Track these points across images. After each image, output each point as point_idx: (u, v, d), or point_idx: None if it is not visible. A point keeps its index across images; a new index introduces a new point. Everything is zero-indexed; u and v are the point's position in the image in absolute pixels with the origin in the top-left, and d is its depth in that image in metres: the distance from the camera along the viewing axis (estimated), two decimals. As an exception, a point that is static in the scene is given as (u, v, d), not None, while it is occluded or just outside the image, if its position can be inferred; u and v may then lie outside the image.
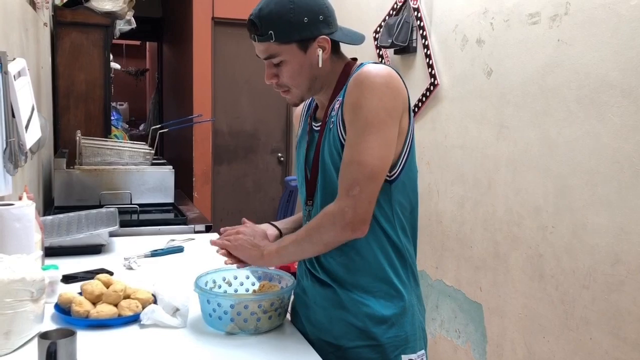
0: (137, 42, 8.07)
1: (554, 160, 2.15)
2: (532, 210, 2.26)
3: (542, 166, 2.21)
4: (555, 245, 2.14)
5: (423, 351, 1.30)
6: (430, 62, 2.88)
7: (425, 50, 2.91)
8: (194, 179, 4.84)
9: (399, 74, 1.24)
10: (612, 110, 1.91)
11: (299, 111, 1.49)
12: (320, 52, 1.25)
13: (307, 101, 1.44)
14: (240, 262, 1.35)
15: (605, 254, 1.93)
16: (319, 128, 1.33)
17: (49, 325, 1.30)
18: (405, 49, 3.06)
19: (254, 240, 1.33)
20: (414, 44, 3.02)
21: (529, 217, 2.28)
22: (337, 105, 1.27)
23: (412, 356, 1.27)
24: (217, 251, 1.37)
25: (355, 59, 1.34)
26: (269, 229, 1.43)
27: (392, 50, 3.19)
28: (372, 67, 1.22)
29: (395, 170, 1.24)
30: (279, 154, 5.17)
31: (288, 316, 1.42)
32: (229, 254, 1.35)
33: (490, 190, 2.50)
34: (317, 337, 1.32)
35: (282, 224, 1.48)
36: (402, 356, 1.25)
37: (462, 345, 2.70)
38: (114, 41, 3.98)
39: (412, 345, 1.27)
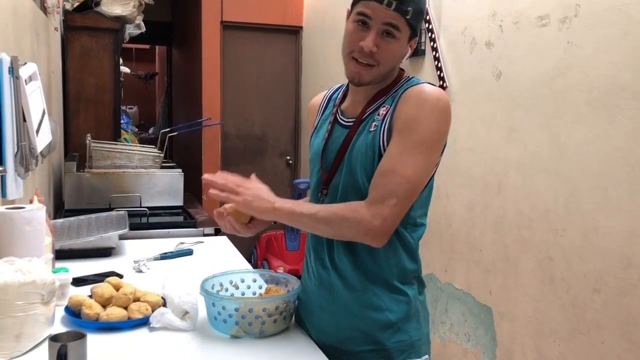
0: (147, 46, 8.11)
1: (564, 163, 2.14)
2: (542, 213, 2.24)
3: (553, 169, 2.19)
4: (566, 249, 2.13)
5: (427, 356, 1.31)
6: (439, 65, 2.87)
7: (434, 53, 2.91)
8: (202, 181, 4.85)
9: None
10: (623, 113, 1.90)
11: (317, 102, 1.49)
12: (409, 50, 1.29)
13: (328, 94, 1.46)
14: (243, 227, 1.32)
15: (617, 258, 1.92)
16: (350, 123, 1.31)
17: (59, 327, 1.31)
18: (414, 52, 3.05)
19: (261, 193, 1.26)
20: (423, 47, 3.01)
21: (539, 220, 2.26)
22: (382, 111, 1.26)
23: None
24: (209, 192, 1.29)
25: (403, 70, 1.35)
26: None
27: (400, 53, 3.19)
28: (435, 88, 1.24)
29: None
30: (288, 157, 5.18)
31: (294, 319, 1.41)
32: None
33: (500, 193, 2.49)
34: (321, 342, 1.32)
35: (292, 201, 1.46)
36: None
37: (472, 349, 2.68)
38: (124, 45, 4.01)
39: (417, 350, 1.28)
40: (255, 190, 1.25)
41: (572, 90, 2.10)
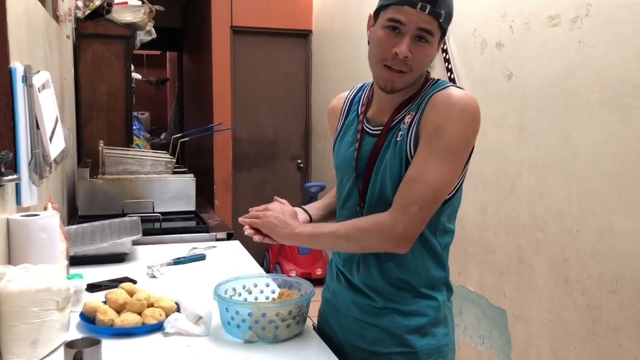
0: (158, 52, 8.17)
1: (577, 163, 2.12)
2: (556, 214, 2.23)
3: (565, 170, 2.18)
4: (581, 250, 2.11)
5: None
6: (450, 67, 2.86)
7: (444, 54, 2.90)
8: (214, 186, 4.87)
9: None
10: (636, 112, 1.88)
11: (337, 105, 1.45)
12: (436, 52, 1.26)
13: (350, 96, 1.42)
14: (268, 238, 1.34)
15: (633, 259, 1.90)
16: (377, 132, 1.29)
17: (74, 333, 1.32)
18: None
19: (283, 217, 1.31)
20: (433, 49, 3.00)
21: (552, 222, 2.24)
22: (407, 119, 1.24)
23: None
24: (244, 229, 1.36)
25: (428, 72, 1.33)
26: (300, 212, 1.42)
27: (410, 55, 3.18)
28: (463, 92, 1.21)
29: (452, 192, 1.25)
30: (299, 161, 5.18)
31: (309, 323, 1.41)
32: (257, 231, 1.34)
33: (512, 194, 2.47)
34: (349, 342, 1.33)
35: (312, 209, 1.47)
36: None
37: (486, 351, 2.67)
38: (135, 51, 4.04)
39: (444, 355, 1.28)
40: (275, 216, 1.31)
41: (583, 90, 2.08)
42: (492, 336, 2.62)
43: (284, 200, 1.41)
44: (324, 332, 1.43)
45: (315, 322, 1.48)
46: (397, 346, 1.26)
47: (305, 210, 1.45)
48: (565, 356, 2.19)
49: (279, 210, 1.34)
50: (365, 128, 1.33)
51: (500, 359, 2.57)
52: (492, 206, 2.61)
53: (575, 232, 2.13)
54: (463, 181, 1.27)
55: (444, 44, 2.88)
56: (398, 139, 1.24)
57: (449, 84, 1.25)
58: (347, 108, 1.41)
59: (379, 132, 1.28)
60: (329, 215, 1.49)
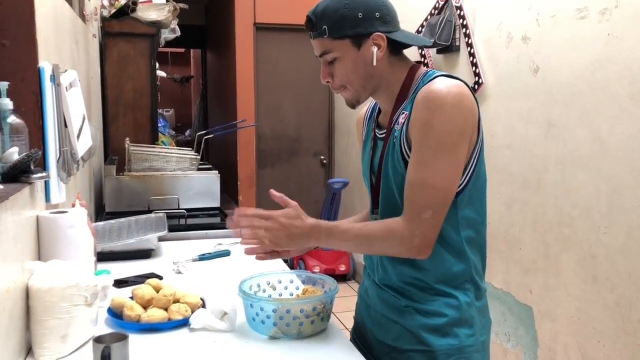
0: (182, 50, 8.24)
1: (605, 159, 2.08)
2: (583, 210, 2.19)
3: (594, 165, 2.14)
4: (609, 247, 2.07)
5: None
6: (474, 61, 2.83)
7: (469, 49, 2.87)
8: (238, 182, 4.90)
9: (467, 86, 1.20)
10: (667, 106, 1.83)
11: (362, 115, 1.47)
12: (375, 49, 1.22)
13: (372, 104, 1.42)
14: (273, 254, 1.27)
15: (663, 256, 1.86)
16: (383, 135, 1.30)
17: (102, 328, 1.34)
18: (448, 48, 3.01)
19: (291, 230, 1.23)
20: (457, 43, 2.97)
21: (580, 218, 2.21)
22: (401, 119, 1.23)
23: None
24: (242, 242, 1.27)
25: (419, 63, 1.31)
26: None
27: (434, 50, 3.16)
28: (442, 83, 1.17)
29: (461, 182, 1.20)
30: (322, 157, 5.19)
31: (334, 319, 1.41)
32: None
33: (539, 190, 2.44)
34: (376, 338, 1.34)
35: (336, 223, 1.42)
36: None
37: (512, 349, 2.64)
38: (160, 49, 4.08)
39: (467, 356, 1.24)
40: (284, 232, 1.23)
41: (613, 83, 2.04)
42: (519, 333, 2.59)
43: (280, 195, 1.32)
44: (358, 327, 1.45)
45: (339, 318, 1.49)
46: (416, 344, 1.25)
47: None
48: (594, 354, 2.16)
49: (283, 225, 1.24)
50: (377, 134, 1.34)
51: (527, 357, 2.54)
52: (518, 202, 2.58)
53: (603, 229, 2.10)
54: (475, 167, 1.21)
55: (468, 37, 2.85)
56: (394, 141, 1.24)
57: (436, 75, 1.22)
58: (368, 117, 1.43)
59: (384, 135, 1.29)
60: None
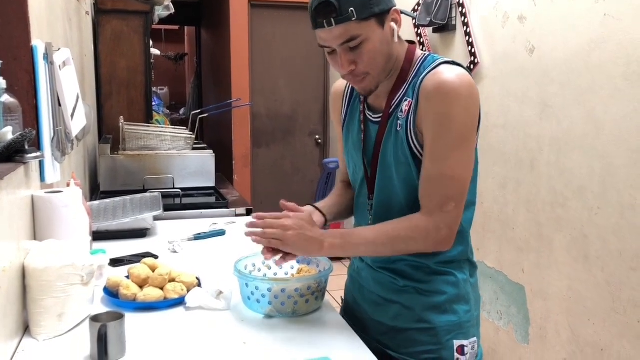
0: (176, 27, 8.16)
1: (599, 139, 2.09)
2: (576, 190, 2.20)
3: (587, 145, 2.15)
4: (601, 227, 2.09)
5: (475, 338, 1.29)
6: (470, 40, 2.82)
7: (465, 28, 2.85)
8: (233, 162, 4.89)
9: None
10: (662, 87, 1.84)
11: (339, 89, 1.41)
12: (394, 25, 1.17)
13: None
14: (290, 256, 1.24)
15: (654, 236, 1.88)
16: (378, 120, 1.26)
17: (99, 307, 1.35)
18: (444, 28, 3.00)
19: (304, 232, 1.19)
20: (453, 22, 2.95)
21: (573, 198, 2.22)
22: (405, 107, 1.20)
23: (465, 342, 1.26)
24: (253, 240, 1.23)
25: (413, 42, 1.26)
26: (313, 213, 1.36)
27: (430, 29, 3.14)
28: (451, 72, 1.15)
29: None
30: (317, 136, 5.18)
31: (329, 298, 1.43)
32: (272, 250, 1.23)
33: (533, 170, 2.45)
34: (371, 317, 1.35)
35: (325, 207, 1.42)
36: (454, 341, 1.25)
37: (504, 327, 2.68)
38: (153, 26, 4.04)
39: (465, 332, 1.27)
40: (298, 234, 1.19)
41: (608, 64, 2.04)
42: (510, 312, 2.63)
43: (293, 205, 1.30)
44: (349, 307, 1.46)
45: (334, 297, 1.51)
46: (415, 322, 1.27)
47: (318, 209, 1.40)
48: (583, 332, 2.19)
49: (297, 224, 1.20)
50: (368, 116, 1.30)
51: (518, 335, 2.57)
52: (512, 182, 2.59)
53: (596, 209, 2.11)
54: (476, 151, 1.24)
55: (464, 17, 2.83)
56: (398, 128, 1.21)
57: (437, 61, 1.19)
58: (349, 92, 1.38)
59: (379, 119, 1.26)
60: (343, 211, 1.46)
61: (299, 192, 5.11)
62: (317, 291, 1.34)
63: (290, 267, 1.50)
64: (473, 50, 2.79)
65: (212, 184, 2.85)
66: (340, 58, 1.16)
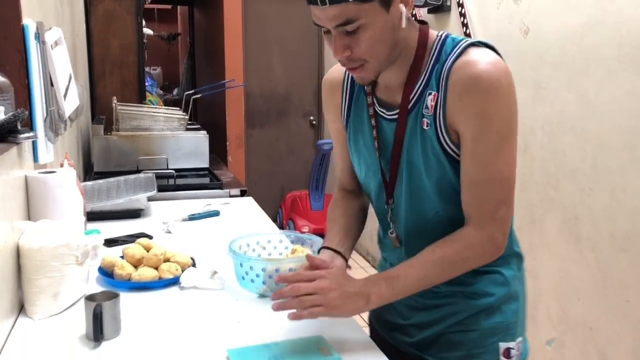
0: (169, 6, 8.06)
1: (592, 121, 2.10)
2: (569, 172, 2.22)
3: (580, 128, 2.16)
4: (593, 208, 2.11)
5: (521, 338, 1.17)
6: (465, 22, 2.80)
7: (460, 9, 2.84)
8: (227, 143, 4.88)
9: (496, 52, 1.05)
10: (655, 69, 1.84)
11: (335, 79, 1.23)
12: (403, 8, 1.01)
13: (344, 69, 1.19)
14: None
15: (644, 217, 1.90)
16: (393, 117, 1.10)
17: (94, 287, 1.36)
18: (438, 8, 2.98)
19: (348, 289, 1.03)
20: (448, 3, 2.94)
21: (565, 180, 2.24)
22: (430, 102, 1.05)
23: (511, 344, 1.14)
24: (291, 317, 1.01)
25: (425, 23, 1.10)
26: (335, 259, 1.18)
27: (425, 9, 3.12)
28: (485, 60, 1.00)
29: None
30: (311, 118, 5.17)
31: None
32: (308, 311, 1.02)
33: (526, 152, 2.46)
34: (407, 322, 1.22)
35: (340, 244, 1.22)
36: (500, 344, 1.13)
37: (496, 307, 2.71)
38: (146, 6, 4.00)
39: (512, 332, 1.15)
40: (338, 294, 1.01)
41: (602, 46, 2.04)
42: (502, 292, 2.66)
43: (320, 260, 1.10)
44: (379, 310, 1.22)
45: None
46: (459, 326, 1.14)
47: (338, 252, 1.20)
48: (573, 312, 2.23)
49: (335, 282, 1.03)
50: (380, 112, 1.14)
51: (509, 314, 2.61)
52: (505, 164, 2.60)
53: (588, 190, 2.13)
54: None
55: (460, -3, 2.82)
56: (425, 127, 1.06)
57: (461, 44, 1.03)
58: (349, 84, 1.21)
59: (396, 116, 1.10)
60: (355, 236, 1.28)
61: (293, 174, 5.12)
62: (311, 271, 1.35)
63: (285, 248, 1.51)
64: (468, 32, 2.78)
65: (206, 165, 2.85)
66: (335, 41, 1.02)
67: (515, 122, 1.05)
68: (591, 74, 2.09)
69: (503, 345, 1.13)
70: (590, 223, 2.13)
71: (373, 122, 1.15)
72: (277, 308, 1.02)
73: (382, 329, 1.28)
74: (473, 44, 1.04)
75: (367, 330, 1.31)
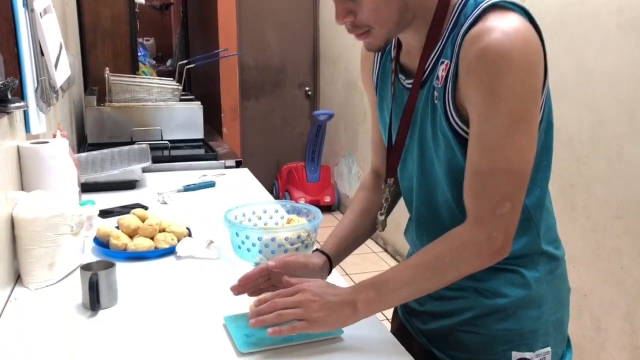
0: (160, -25, 7.92)
1: (589, 88, 2.08)
2: (565, 140, 2.21)
3: (578, 95, 2.14)
4: (588, 176, 2.11)
5: (549, 348, 1.02)
6: (462, -12, 2.76)
7: (457, -25, 2.79)
8: (222, 114, 4.85)
9: (533, 21, 0.90)
10: (654, 35, 1.82)
11: (369, 52, 1.10)
12: None
13: None
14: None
15: (640, 184, 1.90)
16: (410, 85, 0.99)
17: (90, 257, 1.36)
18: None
19: (330, 298, 0.94)
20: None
21: (562, 148, 2.23)
22: (441, 72, 0.92)
23: (528, 355, 1.01)
24: (270, 333, 0.93)
25: None
26: (314, 257, 1.12)
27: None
28: (499, 29, 0.84)
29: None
30: (307, 88, 5.13)
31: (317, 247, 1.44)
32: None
33: (522, 120, 2.45)
34: (421, 309, 1.14)
35: (330, 246, 1.16)
36: (513, 352, 1.00)
37: (491, 275, 2.73)
38: (137, -25, 3.92)
39: (530, 342, 1.01)
40: (320, 305, 0.93)
41: (601, 12, 2.01)
42: (497, 260, 2.68)
43: (298, 280, 1.00)
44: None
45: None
46: (467, 325, 1.04)
47: (323, 252, 1.14)
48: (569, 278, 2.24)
49: (316, 293, 0.95)
50: (401, 80, 1.02)
51: (505, 282, 2.63)
52: (501, 133, 2.60)
53: (584, 158, 2.13)
54: (544, 119, 0.96)
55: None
56: (435, 101, 0.94)
57: (482, 4, 0.88)
58: (378, 55, 1.10)
59: (411, 85, 0.99)
60: (361, 236, 1.20)
61: (289, 145, 5.10)
62: (307, 239, 1.35)
63: (281, 218, 1.50)
64: (464, -2, 2.74)
65: (200, 136, 2.83)
66: (336, 6, 0.92)
67: (532, 104, 0.88)
68: (590, 40, 2.07)
69: (517, 355, 1.01)
70: (585, 191, 2.13)
71: (392, 90, 1.04)
72: (254, 324, 0.94)
73: (403, 314, 1.22)
74: (496, 5, 0.88)
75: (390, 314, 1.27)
